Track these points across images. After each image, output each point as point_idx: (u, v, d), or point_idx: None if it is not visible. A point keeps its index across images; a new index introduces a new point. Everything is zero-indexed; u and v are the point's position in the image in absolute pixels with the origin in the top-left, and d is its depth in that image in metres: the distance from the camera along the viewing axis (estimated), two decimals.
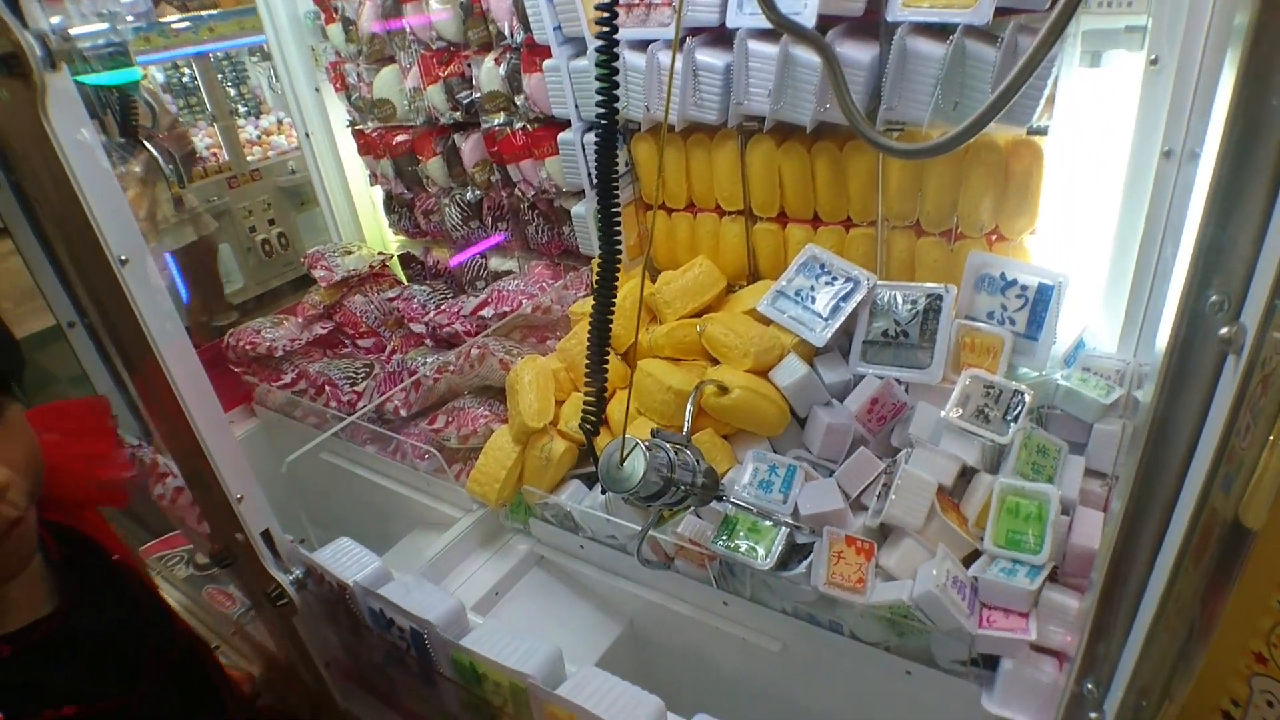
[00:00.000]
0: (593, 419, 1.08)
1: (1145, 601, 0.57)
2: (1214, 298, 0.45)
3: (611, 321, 1.03)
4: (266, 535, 1.13)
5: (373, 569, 1.11)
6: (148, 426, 1.74)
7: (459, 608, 1.03)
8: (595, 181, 0.99)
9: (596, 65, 0.88)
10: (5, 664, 0.78)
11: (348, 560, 1.14)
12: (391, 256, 2.27)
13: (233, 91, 5.87)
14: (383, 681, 1.24)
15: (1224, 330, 0.44)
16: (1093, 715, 0.62)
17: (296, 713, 1.50)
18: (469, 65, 1.79)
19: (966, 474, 1.18)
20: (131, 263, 0.90)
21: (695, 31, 1.43)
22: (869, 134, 0.86)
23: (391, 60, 1.96)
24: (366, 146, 2.17)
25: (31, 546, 0.80)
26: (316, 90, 2.21)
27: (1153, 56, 1.06)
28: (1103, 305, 1.26)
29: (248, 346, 2.01)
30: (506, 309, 1.80)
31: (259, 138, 5.51)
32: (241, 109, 5.90)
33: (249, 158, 5.05)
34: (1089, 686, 0.63)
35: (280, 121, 5.78)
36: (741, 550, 1.16)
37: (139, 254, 0.91)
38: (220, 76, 5.44)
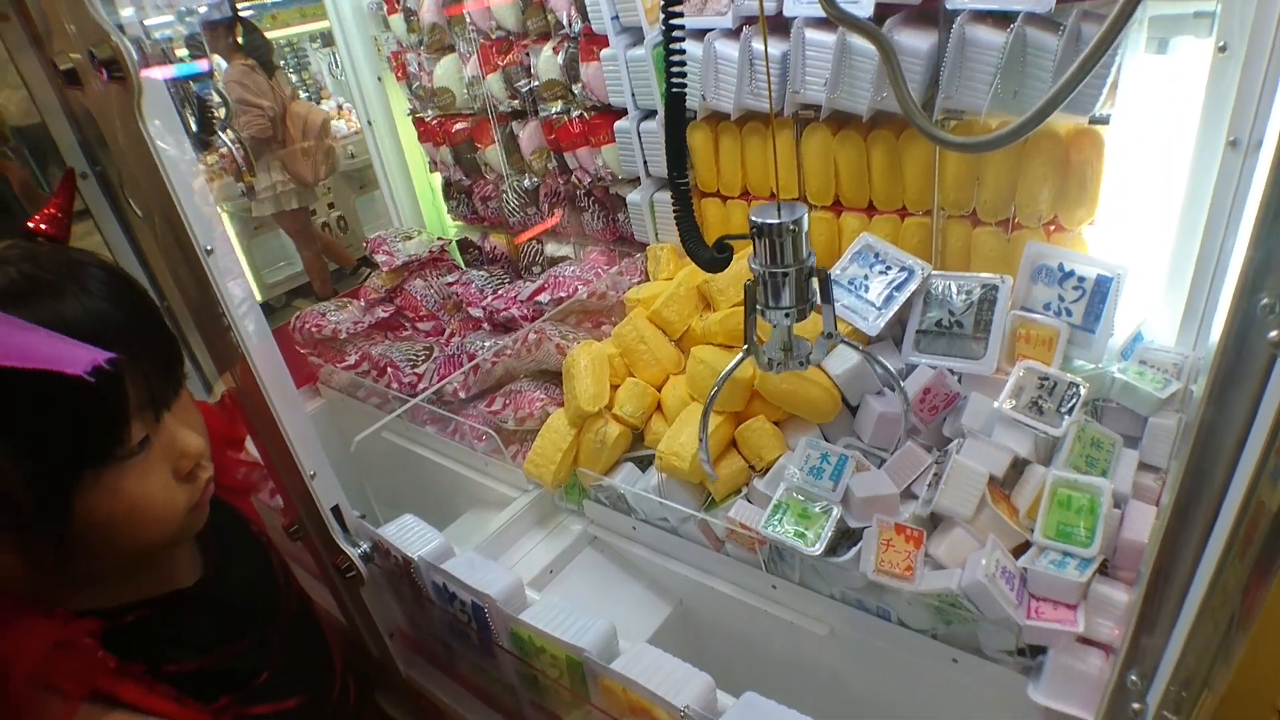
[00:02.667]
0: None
1: (1191, 594, 0.57)
2: (1265, 300, 0.46)
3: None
4: (336, 511, 1.19)
5: (436, 545, 1.16)
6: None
7: (518, 583, 1.08)
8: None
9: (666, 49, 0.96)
10: (143, 623, 0.86)
11: (412, 536, 1.20)
12: (450, 242, 2.33)
13: (294, 77, 6.03)
14: (443, 652, 1.30)
15: (1273, 334, 0.45)
16: (1135, 706, 0.63)
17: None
18: (527, 54, 1.83)
19: (1018, 465, 1.18)
20: (215, 252, 0.96)
21: (751, 20, 1.44)
22: (927, 128, 0.86)
23: (451, 49, 2.01)
24: (426, 134, 2.23)
25: (207, 511, 0.90)
26: (379, 79, 2.28)
27: (1221, 43, 1.03)
28: (1162, 298, 1.24)
29: (314, 329, 2.10)
30: (563, 294, 1.84)
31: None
32: (303, 94, 6.06)
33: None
34: (1133, 678, 0.64)
35: (340, 106, 5.93)
36: (791, 535, 1.19)
37: (222, 244, 0.97)
38: (282, 62, 5.59)
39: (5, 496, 0.69)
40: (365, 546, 1.21)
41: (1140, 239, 1.25)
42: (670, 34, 0.97)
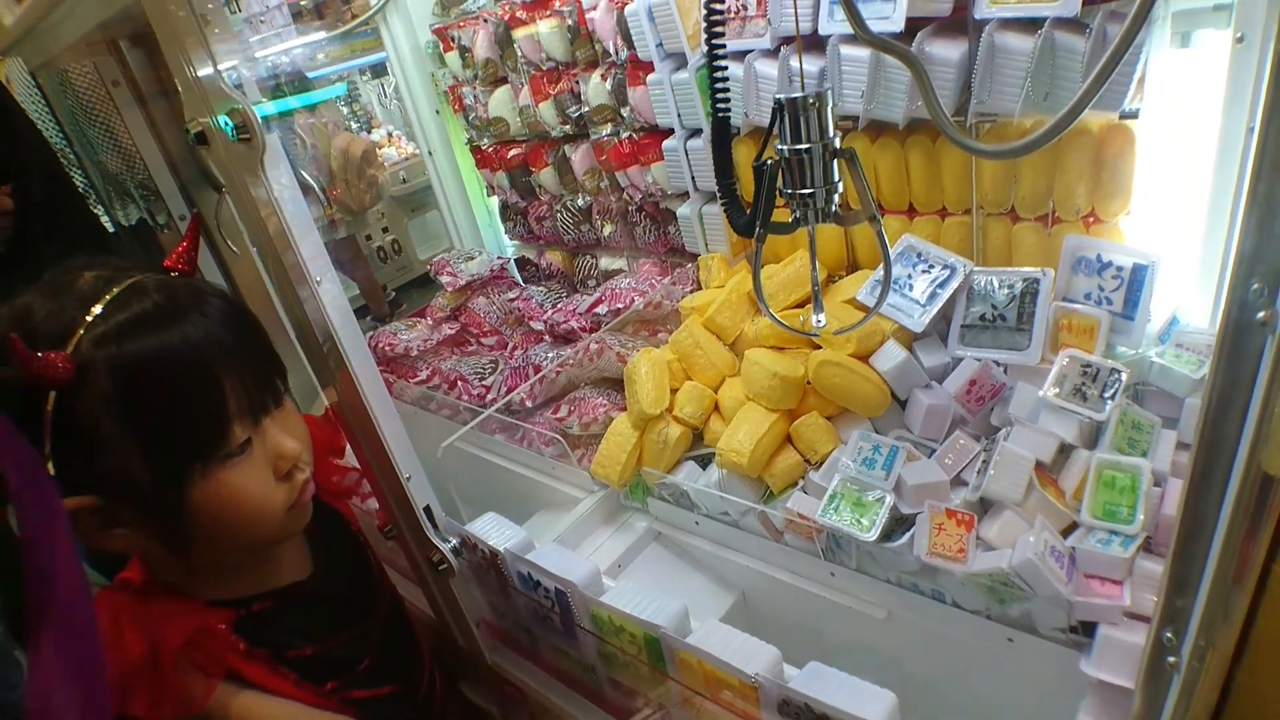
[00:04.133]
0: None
1: (1210, 556, 0.64)
2: (1256, 285, 0.53)
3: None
4: (428, 510, 1.31)
5: (519, 538, 1.27)
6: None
7: (596, 570, 1.18)
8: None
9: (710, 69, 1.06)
10: (266, 613, 0.99)
11: (496, 531, 1.31)
12: (509, 260, 2.46)
13: (345, 110, 6.29)
14: (525, 638, 1.41)
15: (1262, 314, 0.52)
16: (1170, 659, 0.70)
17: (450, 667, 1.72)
18: (577, 82, 1.94)
19: (1064, 450, 1.23)
20: (324, 283, 1.09)
21: (788, 40, 1.52)
22: (958, 139, 0.94)
23: (504, 81, 2.14)
24: (483, 161, 2.37)
25: (309, 510, 1.01)
26: (437, 112, 2.43)
27: (1239, 35, 1.08)
28: (1196, 282, 1.29)
29: (387, 347, 2.25)
30: (620, 306, 1.95)
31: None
32: (354, 125, 6.31)
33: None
34: (1168, 635, 0.71)
35: (390, 134, 6.16)
36: (847, 523, 1.26)
37: (331, 276, 1.10)
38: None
39: (129, 482, 0.81)
40: (454, 542, 1.32)
41: (1173, 227, 1.30)
42: (714, 59, 1.07)
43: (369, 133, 6.22)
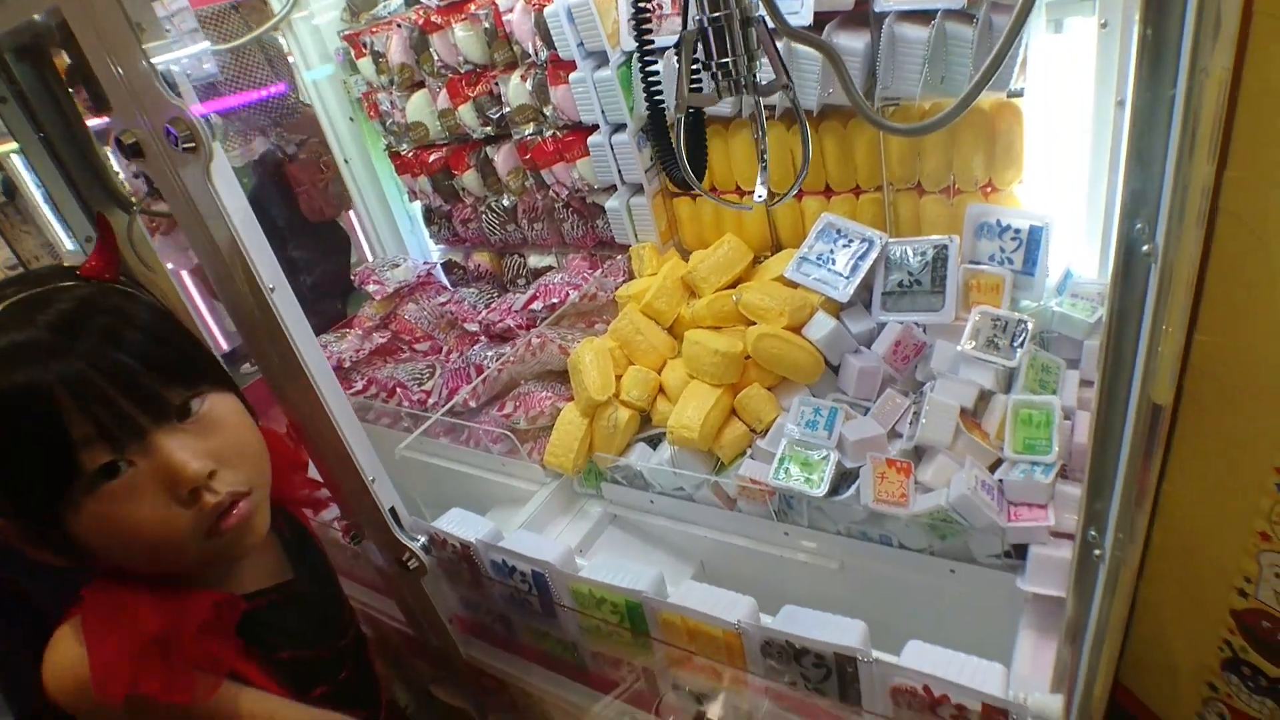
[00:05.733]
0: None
1: (1120, 462, 0.75)
2: (1139, 225, 0.63)
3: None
4: (393, 511, 1.33)
5: (490, 529, 1.31)
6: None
7: (570, 550, 1.23)
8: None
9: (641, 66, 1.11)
10: (259, 612, 0.98)
11: (465, 525, 1.34)
12: (435, 265, 2.46)
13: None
14: (501, 627, 1.44)
15: (1145, 248, 0.62)
16: (1096, 552, 0.81)
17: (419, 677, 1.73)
18: (496, 84, 1.97)
19: (984, 396, 1.36)
20: (277, 290, 1.10)
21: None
22: (874, 118, 1.03)
23: (421, 86, 2.14)
24: (403, 166, 2.36)
25: (256, 533, 0.92)
26: (350, 119, 2.40)
27: (1103, 20, 1.24)
28: (1084, 239, 1.45)
29: None
30: (555, 300, 1.99)
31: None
32: None
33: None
34: (1091, 533, 0.82)
35: None
36: (797, 482, 1.35)
37: (282, 283, 1.11)
38: None
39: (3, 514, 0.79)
40: (423, 540, 1.34)
41: (1061, 191, 1.45)
42: (645, 55, 1.13)
43: None
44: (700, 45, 0.99)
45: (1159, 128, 0.58)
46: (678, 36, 1.02)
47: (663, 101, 1.20)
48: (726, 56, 0.99)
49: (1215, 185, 0.68)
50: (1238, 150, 1.03)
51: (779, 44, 1.48)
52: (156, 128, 0.95)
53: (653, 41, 1.15)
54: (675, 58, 1.06)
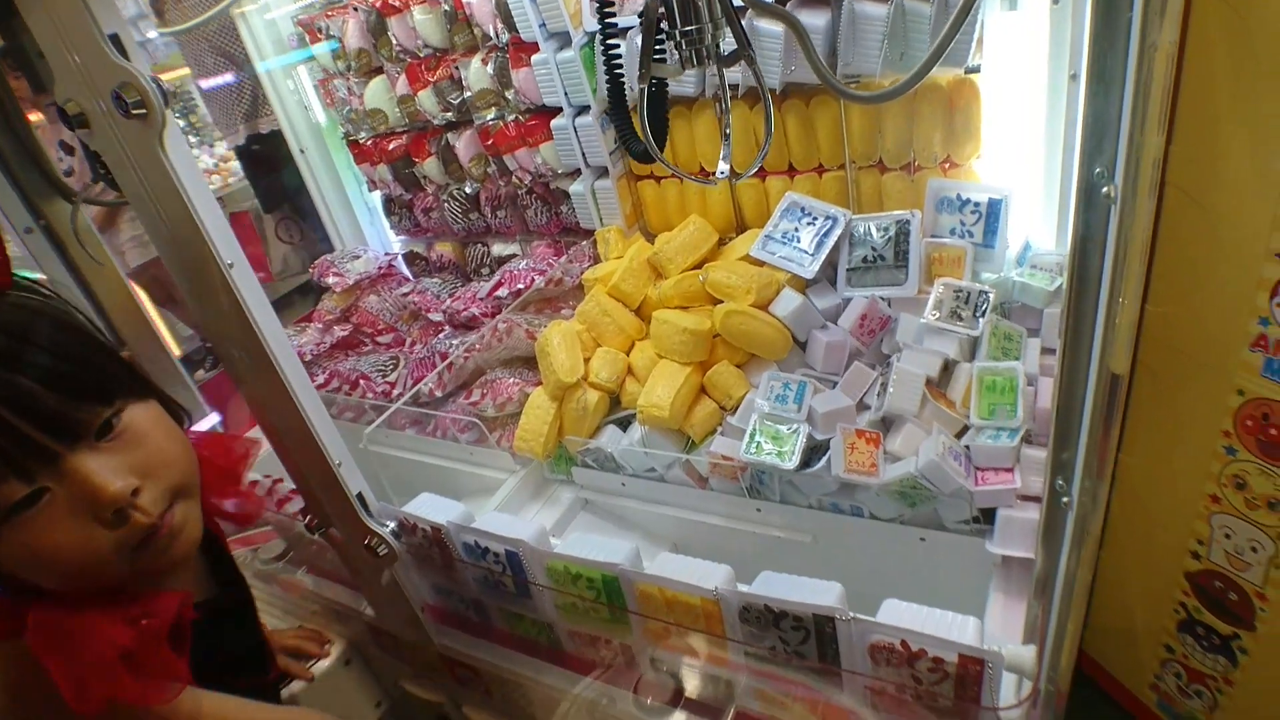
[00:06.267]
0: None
1: (1084, 418, 0.77)
2: (1099, 170, 0.65)
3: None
4: (360, 497, 1.30)
5: (460, 511, 1.29)
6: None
7: (543, 528, 1.22)
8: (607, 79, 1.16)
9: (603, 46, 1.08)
10: (196, 625, 0.91)
11: (435, 509, 1.32)
12: (397, 256, 2.42)
13: (182, 122, 5.88)
14: (474, 613, 1.42)
15: (1105, 189, 0.64)
16: (1064, 499, 0.82)
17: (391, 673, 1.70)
18: (456, 68, 1.95)
19: (949, 366, 1.38)
20: (236, 266, 1.06)
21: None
22: (838, 86, 1.04)
23: (380, 72, 2.11)
24: (362, 155, 2.32)
25: (188, 548, 0.87)
26: (306, 108, 2.35)
27: None
28: (1041, 211, 1.48)
29: None
30: (520, 286, 1.98)
31: (215, 166, 5.54)
32: (193, 139, 5.91)
33: (210, 187, 5.07)
34: (1059, 482, 0.84)
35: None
36: (769, 455, 1.36)
37: (240, 259, 1.07)
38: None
39: None
40: (392, 525, 1.32)
41: (1019, 165, 1.48)
42: (606, 28, 1.12)
43: (210, 147, 5.86)
44: (664, 15, 0.99)
45: (1113, 98, 0.60)
46: (642, 7, 1.02)
47: (623, 78, 1.18)
48: (690, 25, 0.98)
49: (1164, 159, 0.70)
50: (1182, 125, 1.06)
51: (742, 20, 1.50)
52: (103, 94, 0.92)
53: (614, 14, 1.15)
54: (639, 33, 1.06)
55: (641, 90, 1.08)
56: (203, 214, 1.01)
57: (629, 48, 1.63)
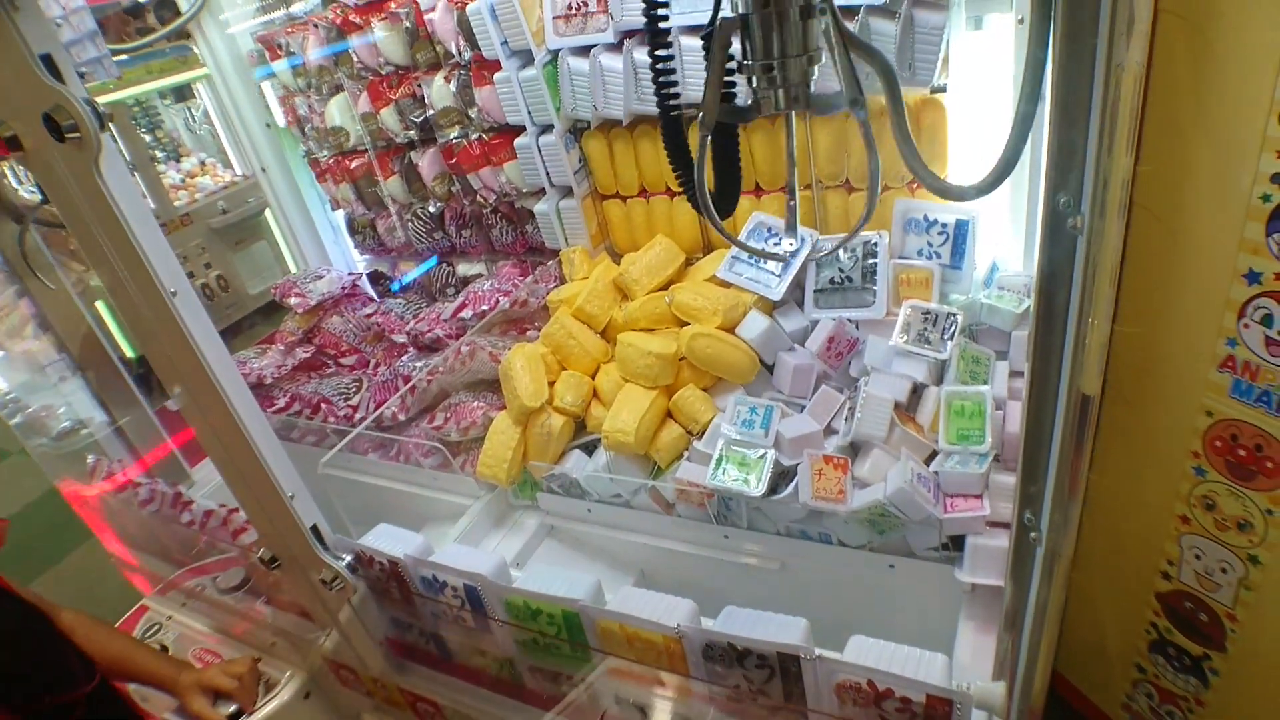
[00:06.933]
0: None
1: (1052, 450, 0.75)
2: (1065, 199, 0.63)
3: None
4: (315, 530, 1.26)
5: (419, 543, 1.25)
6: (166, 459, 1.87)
7: (504, 561, 1.18)
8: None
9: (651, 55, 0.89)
10: None
11: (392, 541, 1.27)
12: (361, 276, 2.37)
13: (148, 137, 5.77)
14: (435, 648, 1.38)
15: (1071, 220, 0.62)
16: (1033, 534, 0.80)
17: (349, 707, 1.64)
18: (419, 85, 1.92)
19: (917, 389, 1.37)
20: (180, 294, 1.02)
21: (631, 34, 1.59)
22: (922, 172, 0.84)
23: (340, 89, 2.07)
24: (324, 173, 2.27)
25: None
26: (267, 125, 2.30)
27: (1020, 17, 1.26)
28: (1009, 233, 1.48)
29: None
30: (485, 308, 1.94)
31: (182, 181, 5.45)
32: (160, 154, 5.81)
33: (176, 203, 5.00)
34: (1028, 516, 0.82)
35: (203, 162, 5.73)
36: (735, 482, 1.33)
37: (184, 287, 1.03)
38: (133, 122, 5.35)
39: None
40: (348, 559, 1.27)
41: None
42: (655, 44, 0.90)
43: (177, 162, 5.76)
44: (743, 38, 0.76)
45: (1079, 121, 0.58)
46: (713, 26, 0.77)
47: (677, 102, 0.96)
48: (775, 57, 0.75)
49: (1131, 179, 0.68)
50: (1149, 145, 1.06)
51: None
52: (34, 117, 0.88)
53: (665, 15, 0.89)
54: (703, 53, 0.83)
55: (704, 138, 0.86)
56: (143, 240, 0.98)
57: (593, 70, 1.61)
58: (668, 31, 0.87)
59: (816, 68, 0.78)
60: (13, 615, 1.11)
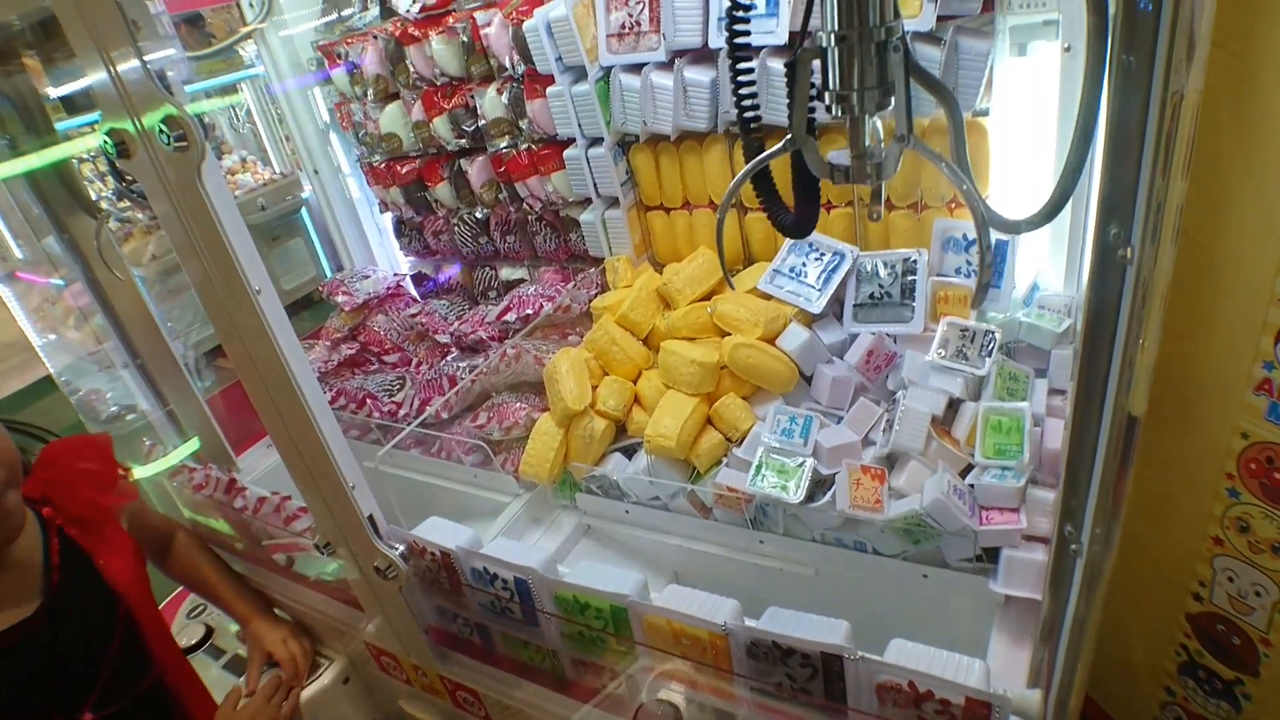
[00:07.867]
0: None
1: (1095, 466, 0.78)
2: (1115, 230, 0.67)
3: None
4: (371, 519, 1.32)
5: (469, 536, 1.30)
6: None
7: (552, 556, 1.23)
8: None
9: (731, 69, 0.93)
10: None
11: (444, 533, 1.33)
12: (405, 277, 2.45)
13: None
14: (479, 637, 1.43)
15: (1121, 252, 0.66)
16: (1073, 546, 0.84)
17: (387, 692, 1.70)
18: (472, 96, 1.98)
19: (954, 405, 1.40)
20: (264, 292, 1.09)
21: (681, 53, 1.64)
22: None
23: (396, 97, 2.14)
24: (375, 178, 2.35)
25: (9, 533, 0.96)
26: (321, 130, 2.39)
27: (1066, 45, 1.30)
28: (1049, 253, 1.51)
29: None
30: (529, 312, 2.00)
31: (224, 178, 5.55)
32: None
33: None
34: (1068, 528, 0.85)
35: (244, 160, 5.86)
36: (774, 488, 1.37)
37: (268, 286, 1.10)
38: None
39: None
40: (401, 548, 1.33)
41: (1027, 207, 1.51)
42: (736, 58, 0.93)
43: (220, 159, 5.89)
44: (823, 66, 0.79)
45: (1132, 147, 0.62)
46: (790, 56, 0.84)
47: (758, 121, 1.02)
48: (851, 88, 0.78)
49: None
50: (1191, 171, 1.09)
51: (756, 61, 1.53)
52: (148, 127, 0.95)
53: (748, 30, 0.91)
54: (786, 79, 0.89)
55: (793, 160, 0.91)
56: (234, 242, 1.04)
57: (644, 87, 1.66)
58: (750, 57, 0.91)
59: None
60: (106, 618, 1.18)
